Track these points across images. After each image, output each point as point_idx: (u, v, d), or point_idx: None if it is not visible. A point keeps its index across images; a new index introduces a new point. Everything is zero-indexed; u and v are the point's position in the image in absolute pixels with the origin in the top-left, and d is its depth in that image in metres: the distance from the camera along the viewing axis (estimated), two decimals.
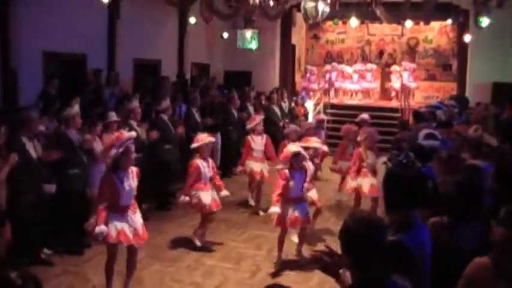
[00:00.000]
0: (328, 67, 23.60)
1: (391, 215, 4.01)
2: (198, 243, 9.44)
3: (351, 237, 3.24)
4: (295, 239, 9.34)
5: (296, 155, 8.61)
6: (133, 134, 7.73)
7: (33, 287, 2.60)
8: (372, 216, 3.41)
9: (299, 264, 8.75)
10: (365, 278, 3.20)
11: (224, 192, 9.65)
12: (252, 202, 12.14)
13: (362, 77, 23.45)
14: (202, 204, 9.27)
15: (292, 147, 8.83)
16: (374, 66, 24.10)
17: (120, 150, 7.27)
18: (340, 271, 3.57)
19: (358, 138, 11.07)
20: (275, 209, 8.54)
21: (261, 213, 11.42)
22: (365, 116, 13.59)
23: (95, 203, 7.63)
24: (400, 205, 3.92)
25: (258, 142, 11.86)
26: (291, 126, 12.14)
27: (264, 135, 12.03)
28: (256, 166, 11.80)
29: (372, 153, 10.72)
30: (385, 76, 24.08)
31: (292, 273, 8.50)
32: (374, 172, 10.64)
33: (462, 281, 3.79)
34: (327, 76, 23.14)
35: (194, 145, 9.41)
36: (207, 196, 9.30)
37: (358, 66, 23.96)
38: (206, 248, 9.45)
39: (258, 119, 12.19)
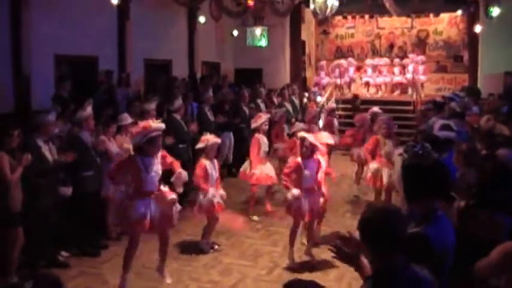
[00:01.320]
0: (342, 62, 23.73)
1: (412, 205, 4.00)
2: (207, 248, 9.37)
3: (369, 227, 3.27)
4: (303, 239, 9.26)
5: (303, 140, 8.66)
6: (162, 125, 7.76)
7: None
8: (390, 206, 3.43)
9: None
10: (384, 267, 3.20)
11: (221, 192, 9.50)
12: (255, 218, 11.31)
13: (380, 71, 23.58)
14: (210, 207, 9.22)
15: (301, 134, 8.83)
16: (397, 60, 24.15)
17: (144, 140, 7.40)
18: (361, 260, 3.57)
19: (375, 129, 11.03)
20: (294, 191, 8.50)
21: (255, 217, 11.28)
22: (376, 109, 13.55)
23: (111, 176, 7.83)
24: (420, 195, 3.91)
25: (265, 142, 11.51)
26: (298, 124, 12.01)
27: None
28: (262, 169, 11.38)
29: (389, 141, 10.63)
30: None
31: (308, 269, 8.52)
32: (390, 162, 10.52)
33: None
34: (337, 71, 23.22)
35: (200, 145, 9.37)
36: (215, 198, 9.24)
37: (382, 61, 24.12)
38: (216, 249, 9.43)
39: (264, 117, 11.69)
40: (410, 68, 22.70)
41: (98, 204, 9.46)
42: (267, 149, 11.57)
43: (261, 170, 11.31)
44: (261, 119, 11.57)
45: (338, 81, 23.04)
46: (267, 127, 11.67)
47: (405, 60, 23.59)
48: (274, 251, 9.33)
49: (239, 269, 8.61)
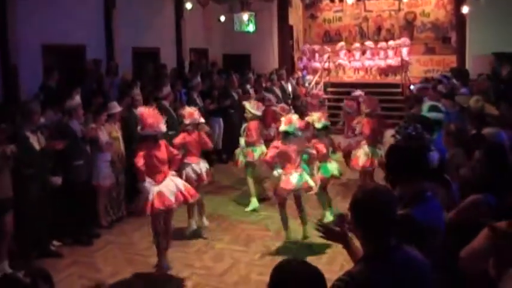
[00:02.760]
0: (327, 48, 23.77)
1: (398, 187, 4.02)
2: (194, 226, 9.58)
3: (361, 209, 3.26)
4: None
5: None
6: None
7: (43, 283, 2.59)
8: (382, 188, 3.41)
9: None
10: (376, 249, 3.21)
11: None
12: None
13: (373, 54, 23.66)
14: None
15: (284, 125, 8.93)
16: (392, 43, 24.09)
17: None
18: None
19: (367, 110, 11.10)
20: (279, 171, 8.74)
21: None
22: (358, 92, 13.58)
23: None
24: (404, 177, 3.93)
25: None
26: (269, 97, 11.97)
27: None
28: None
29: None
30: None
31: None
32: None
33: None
34: (325, 57, 23.24)
35: (187, 121, 9.52)
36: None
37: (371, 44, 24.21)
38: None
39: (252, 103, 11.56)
40: (404, 51, 22.73)
41: (89, 193, 9.47)
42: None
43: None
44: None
45: (326, 65, 22.99)
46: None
47: (393, 43, 23.63)
48: (266, 236, 9.36)
49: (231, 254, 8.65)
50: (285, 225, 8.95)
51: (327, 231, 3.66)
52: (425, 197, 3.92)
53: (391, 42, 24.03)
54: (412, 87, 15.35)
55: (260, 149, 11.05)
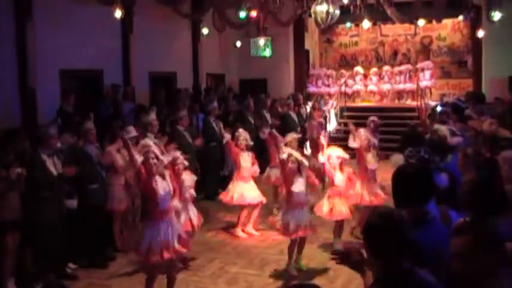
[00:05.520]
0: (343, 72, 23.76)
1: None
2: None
3: (374, 234, 3.28)
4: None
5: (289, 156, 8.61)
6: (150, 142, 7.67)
7: None
8: (394, 212, 3.42)
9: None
10: (389, 273, 3.21)
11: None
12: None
13: (391, 78, 23.56)
14: None
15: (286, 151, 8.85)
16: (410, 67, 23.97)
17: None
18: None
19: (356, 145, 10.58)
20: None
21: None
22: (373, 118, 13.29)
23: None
24: (407, 200, 3.93)
25: (246, 159, 10.85)
26: (289, 135, 11.83)
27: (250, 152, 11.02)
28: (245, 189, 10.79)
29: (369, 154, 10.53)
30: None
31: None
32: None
33: None
34: (342, 80, 23.22)
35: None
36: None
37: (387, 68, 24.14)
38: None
39: (243, 135, 11.00)
40: (427, 74, 22.58)
41: (104, 216, 9.53)
42: (248, 166, 10.83)
43: (240, 189, 10.75)
44: (241, 136, 10.99)
45: (342, 88, 22.99)
46: (249, 143, 11.02)
47: (408, 66, 23.58)
48: (281, 260, 9.29)
49: (246, 278, 8.65)
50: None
51: (345, 256, 3.65)
52: (428, 220, 3.92)
53: (402, 67, 23.90)
54: (438, 109, 15.07)
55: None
